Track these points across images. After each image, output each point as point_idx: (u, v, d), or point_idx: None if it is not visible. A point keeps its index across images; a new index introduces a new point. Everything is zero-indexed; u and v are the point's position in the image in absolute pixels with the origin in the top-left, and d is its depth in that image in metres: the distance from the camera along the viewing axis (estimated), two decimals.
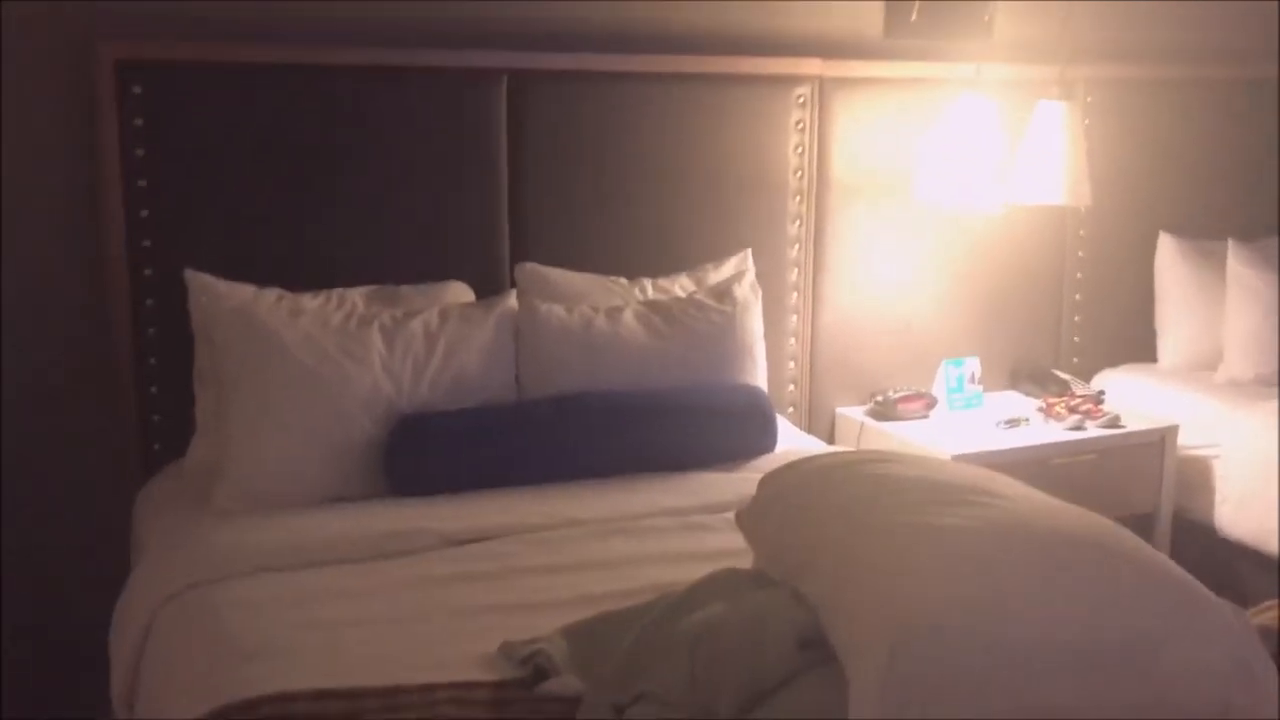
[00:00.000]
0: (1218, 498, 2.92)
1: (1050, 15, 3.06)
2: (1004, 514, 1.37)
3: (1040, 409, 2.98)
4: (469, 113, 2.62)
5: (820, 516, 1.44)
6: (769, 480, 1.62)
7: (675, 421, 2.32)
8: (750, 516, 1.60)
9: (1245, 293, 3.15)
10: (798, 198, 2.98)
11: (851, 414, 3.06)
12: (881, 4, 3.06)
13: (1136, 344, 3.37)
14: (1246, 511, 2.84)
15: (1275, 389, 3.04)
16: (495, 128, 2.64)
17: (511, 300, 2.48)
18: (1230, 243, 3.21)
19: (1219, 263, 3.23)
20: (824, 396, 3.11)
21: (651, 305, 2.55)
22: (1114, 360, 3.37)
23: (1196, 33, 3.40)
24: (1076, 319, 3.34)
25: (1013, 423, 2.91)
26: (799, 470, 1.59)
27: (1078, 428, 2.90)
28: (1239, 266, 3.17)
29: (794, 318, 3.02)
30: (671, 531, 1.96)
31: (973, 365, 3.08)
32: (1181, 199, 3.37)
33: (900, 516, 1.35)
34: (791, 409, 3.05)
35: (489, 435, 2.24)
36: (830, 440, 3.08)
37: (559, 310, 2.46)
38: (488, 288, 2.61)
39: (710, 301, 2.57)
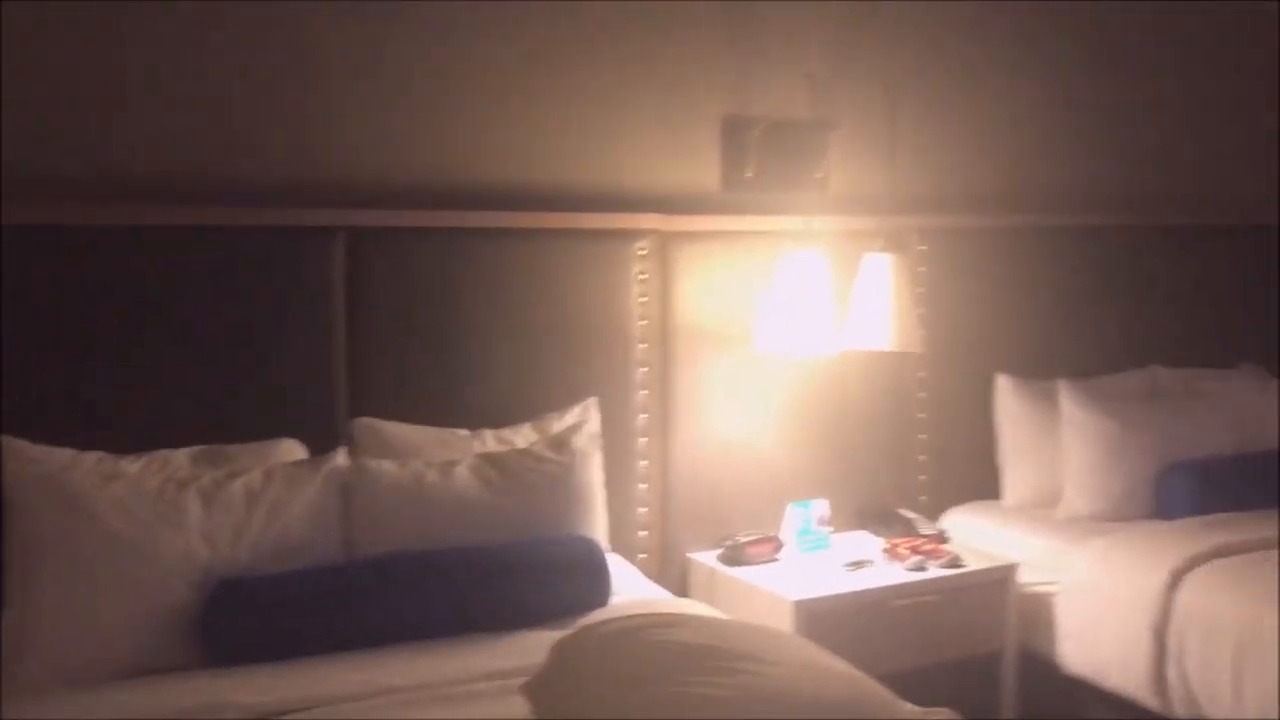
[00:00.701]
0: (1060, 633, 2.97)
1: (880, 170, 3.21)
2: (766, 683, 1.38)
3: (884, 550, 3.03)
4: (303, 269, 2.64)
5: (601, 688, 1.43)
6: (559, 648, 1.61)
7: (503, 578, 2.30)
8: (537, 687, 1.58)
9: (1079, 431, 3.26)
10: (644, 345, 3.03)
11: (704, 559, 3.06)
12: (719, 161, 3.18)
13: (981, 482, 3.46)
14: (1086, 646, 2.89)
15: (1112, 524, 3.13)
16: (331, 283, 2.66)
17: (341, 458, 2.46)
18: (1062, 383, 3.34)
19: (1055, 402, 3.36)
20: (677, 542, 3.12)
21: (487, 458, 2.55)
22: (960, 498, 3.44)
23: (1020, 184, 3.60)
24: (922, 458, 3.42)
25: (856, 565, 2.94)
26: (588, 637, 1.59)
27: (919, 568, 2.94)
28: (1071, 406, 3.29)
29: (644, 463, 3.04)
30: (488, 697, 1.92)
31: (820, 507, 3.12)
32: (1016, 341, 3.51)
33: (670, 688, 1.35)
34: (643, 556, 3.04)
35: (310, 599, 2.19)
36: (683, 587, 3.08)
37: (390, 466, 2.44)
38: (323, 444, 2.58)
39: (547, 453, 2.58)
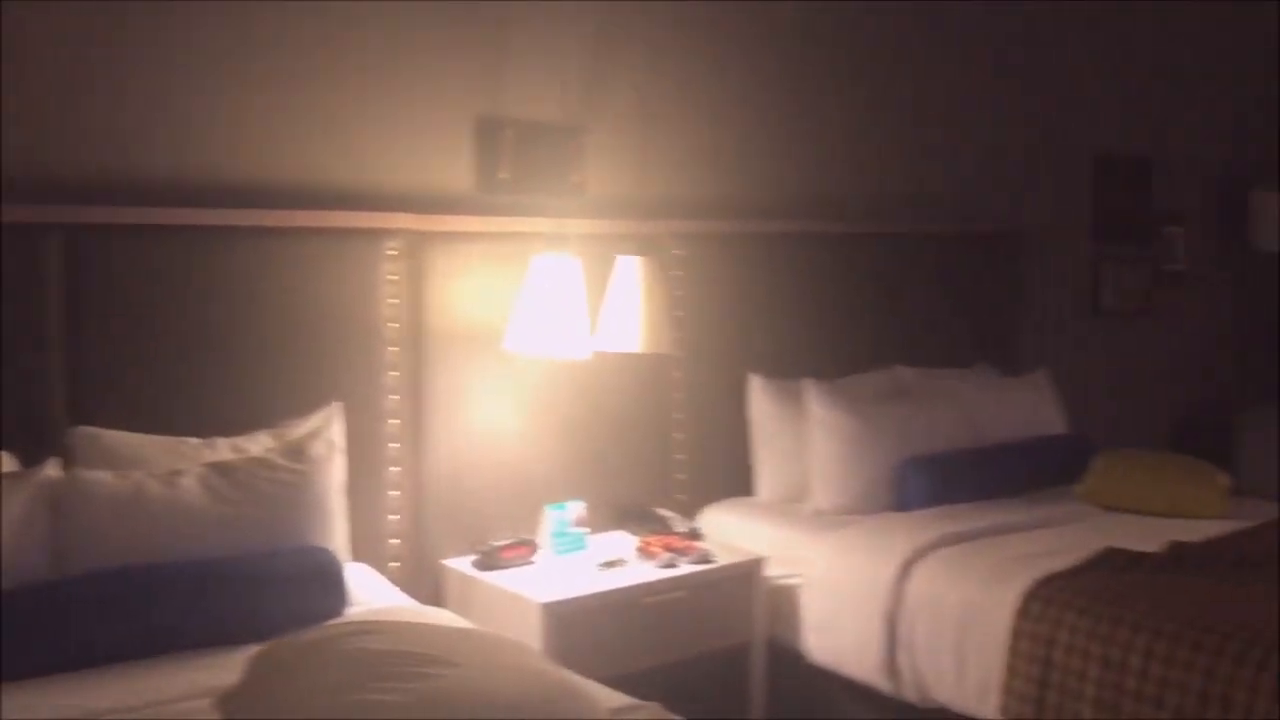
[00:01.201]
0: (804, 624, 3.07)
1: (636, 175, 3.26)
2: (447, 685, 1.37)
3: (637, 548, 3.06)
4: (12, 271, 2.46)
5: (288, 698, 1.38)
6: (254, 660, 1.55)
7: (227, 591, 2.20)
8: (229, 699, 1.52)
9: (824, 429, 3.39)
10: (395, 348, 2.97)
11: (458, 565, 3.02)
12: (473, 161, 3.16)
13: (737, 479, 3.55)
14: (827, 636, 3.01)
15: (853, 518, 3.27)
16: (44, 284, 2.49)
17: (53, 469, 2.31)
18: (808, 382, 3.46)
19: (803, 401, 3.48)
20: (431, 549, 3.07)
21: (216, 467, 2.44)
22: (717, 495, 3.52)
23: (771, 190, 3.71)
24: (679, 457, 3.49)
25: (609, 565, 2.97)
26: (282, 648, 1.54)
27: (671, 565, 2.99)
28: (817, 405, 3.42)
29: (395, 469, 2.98)
30: (196, 715, 1.83)
31: (577, 508, 3.13)
32: (769, 342, 3.62)
33: (353, 695, 1.32)
34: (395, 564, 2.98)
35: (12, 620, 2.04)
36: (437, 595, 3.03)
37: (106, 477, 2.31)
38: (37, 456, 2.41)
39: (282, 460, 2.49)
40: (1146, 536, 3.02)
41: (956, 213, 4.19)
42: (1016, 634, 2.56)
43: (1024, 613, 2.57)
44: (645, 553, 3.03)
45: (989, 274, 4.21)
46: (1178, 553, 2.80)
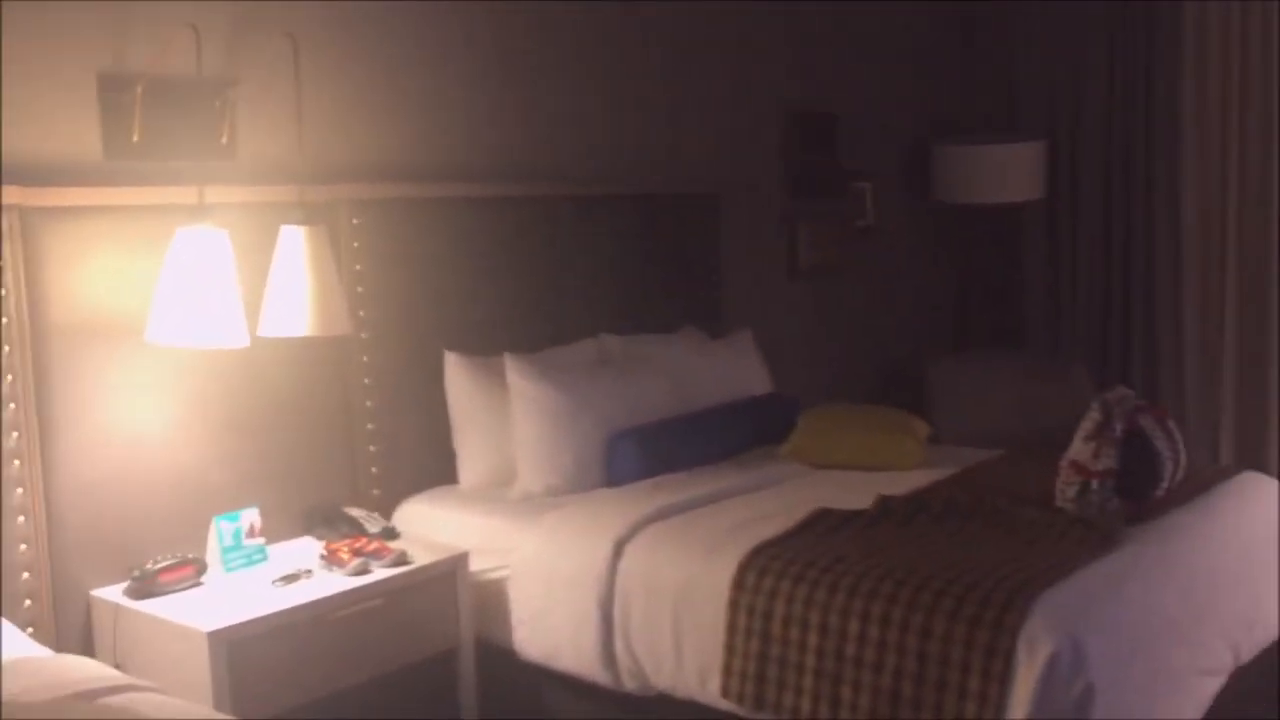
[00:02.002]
0: (514, 620, 2.84)
1: (296, 135, 2.88)
2: None
3: (322, 556, 2.73)
4: None
5: None
6: None
7: None
8: None
9: (527, 406, 3.16)
10: (6, 349, 2.49)
11: (109, 595, 2.59)
12: (98, 123, 2.69)
13: (440, 467, 3.26)
14: (539, 630, 2.79)
15: (563, 498, 3.06)
16: None
17: None
18: (507, 357, 3.22)
19: (503, 377, 3.23)
20: (74, 579, 2.62)
21: None
22: (418, 487, 3.23)
23: (459, 152, 3.43)
24: (373, 449, 3.16)
25: (289, 579, 2.62)
26: None
27: (362, 571, 2.67)
28: (518, 380, 3.18)
29: (19, 491, 2.51)
30: None
31: (251, 517, 2.76)
32: (465, 316, 3.34)
33: None
34: (29, 603, 2.51)
35: None
36: (85, 633, 2.59)
37: None
38: None
39: None
40: (855, 492, 2.97)
41: (655, 174, 4.05)
42: (733, 607, 2.43)
43: (739, 584, 2.43)
44: (332, 560, 2.70)
45: (690, 235, 4.10)
46: (886, 506, 2.76)
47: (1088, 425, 2.63)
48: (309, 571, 2.67)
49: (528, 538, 2.86)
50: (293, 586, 2.59)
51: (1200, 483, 2.86)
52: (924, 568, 2.31)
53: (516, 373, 3.18)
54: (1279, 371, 4.78)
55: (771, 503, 2.90)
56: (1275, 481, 2.98)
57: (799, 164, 4.65)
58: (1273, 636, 2.71)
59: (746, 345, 3.94)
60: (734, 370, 3.77)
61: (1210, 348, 4.96)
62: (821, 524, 2.64)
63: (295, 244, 2.69)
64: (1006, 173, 4.97)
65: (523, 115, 3.61)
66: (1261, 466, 4.74)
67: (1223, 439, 4.93)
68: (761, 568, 2.44)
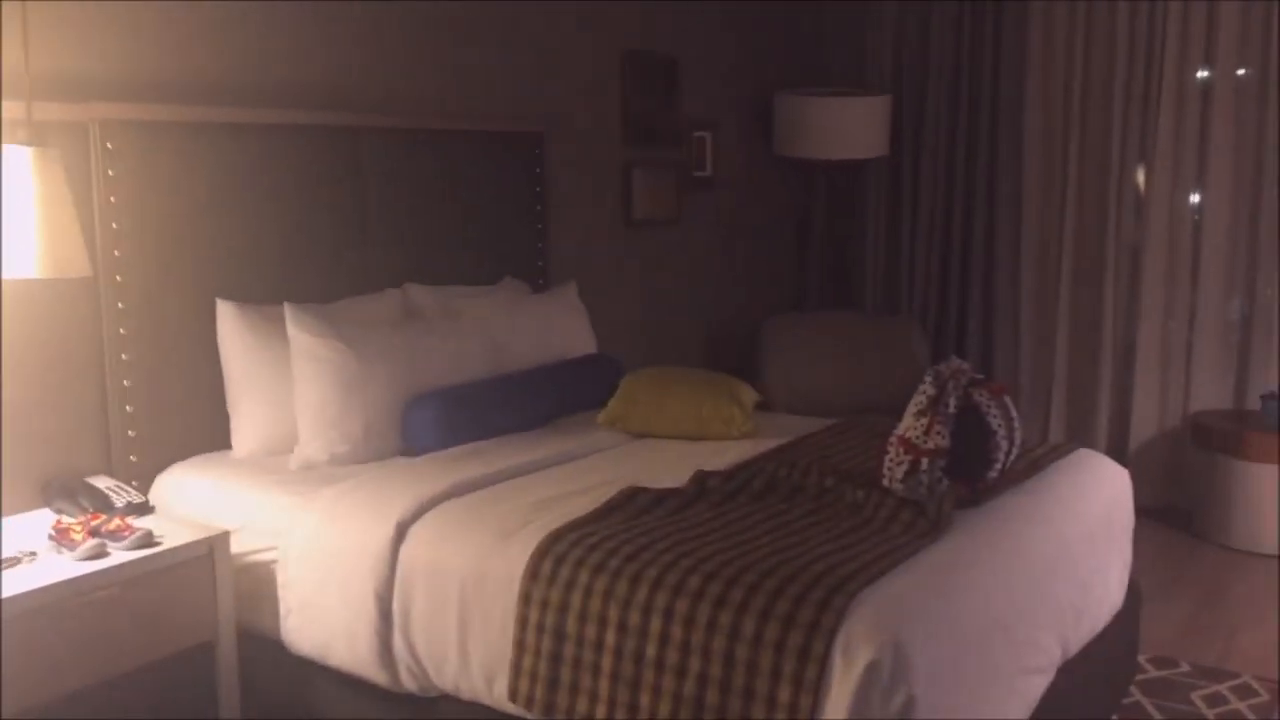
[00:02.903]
0: (282, 609, 2.50)
1: (22, 39, 2.43)
2: None
3: (50, 536, 2.33)
4: None
5: None
6: None
7: None
8: None
9: (312, 363, 2.80)
10: None
11: None
12: None
13: (209, 432, 2.88)
14: (311, 621, 2.45)
15: (350, 470, 2.72)
16: None
17: None
18: (287, 307, 2.85)
19: (284, 329, 2.86)
20: None
21: None
22: (185, 453, 2.84)
23: (240, 70, 3.00)
24: (129, 409, 2.75)
25: (11, 563, 2.22)
26: None
27: (98, 554, 2.29)
28: (300, 333, 2.81)
29: None
30: None
31: None
32: (244, 259, 2.95)
33: None
34: None
35: None
36: None
37: None
38: None
39: None
40: (673, 466, 2.73)
41: (477, 109, 3.69)
42: (524, 600, 2.14)
43: (533, 574, 2.15)
44: (61, 541, 2.31)
45: (515, 178, 3.77)
46: (702, 483, 2.51)
47: (919, 400, 2.43)
48: (32, 554, 2.27)
49: (304, 516, 2.51)
50: (9, 572, 2.20)
51: (1033, 461, 2.70)
52: (737, 559, 2.06)
53: (298, 325, 2.81)
54: (1111, 344, 4.76)
55: (581, 478, 2.63)
56: (1108, 460, 2.85)
57: (636, 108, 4.35)
58: (1098, 627, 2.58)
59: (571, 300, 3.65)
60: (556, 328, 3.48)
61: (1047, 315, 4.91)
62: (631, 505, 2.37)
63: (21, 168, 2.26)
64: (850, 127, 4.78)
65: (324, 31, 3.20)
66: (1090, 442, 4.73)
67: (1054, 411, 4.89)
68: (559, 555, 2.16)
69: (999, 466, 2.45)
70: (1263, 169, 4.43)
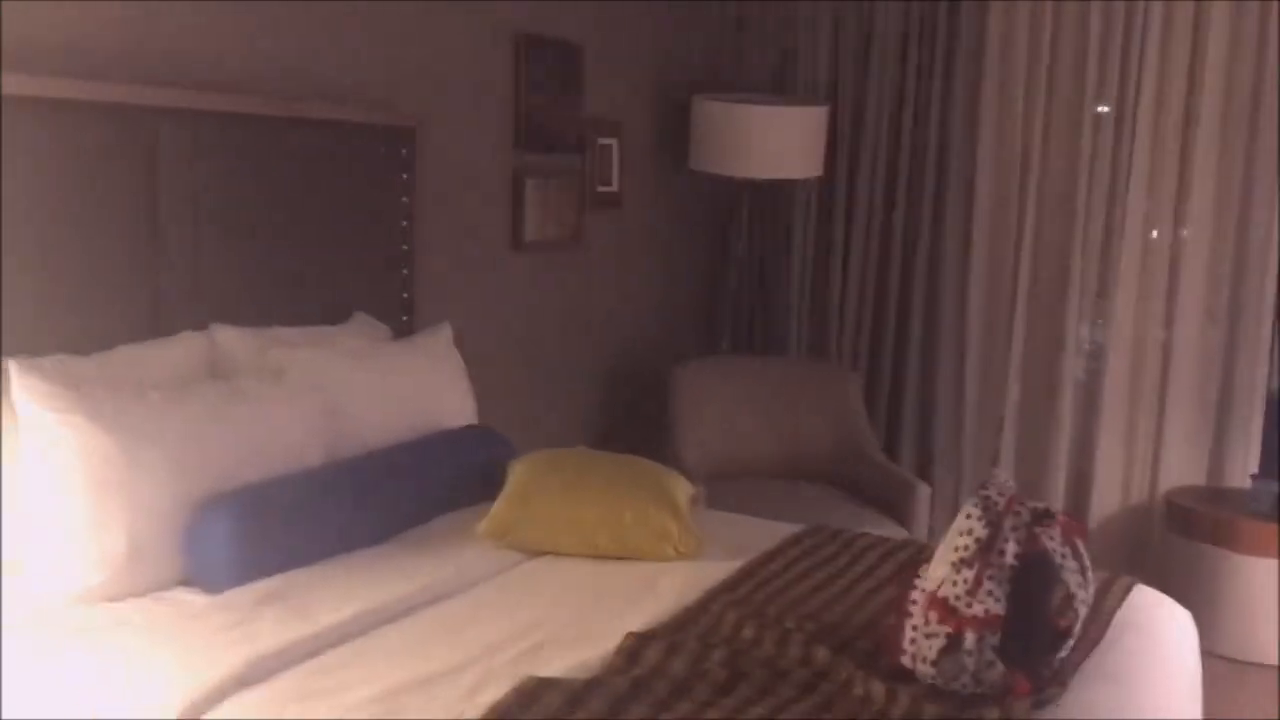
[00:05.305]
0: None
1: None
2: None
3: None
4: None
5: None
6: None
7: None
8: None
9: (44, 445, 1.87)
10: None
11: None
12: None
13: None
14: None
15: (109, 608, 1.81)
16: None
17: None
18: (10, 363, 1.91)
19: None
20: None
21: None
22: None
23: None
24: None
25: None
26: None
27: None
28: (29, 401, 1.88)
29: None
30: None
31: None
32: None
33: None
34: None
35: None
36: None
37: None
38: None
39: None
40: (587, 613, 1.89)
41: (325, 93, 2.79)
42: None
43: None
44: None
45: (376, 185, 2.88)
46: (635, 656, 1.68)
47: (962, 542, 1.65)
48: None
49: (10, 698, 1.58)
50: None
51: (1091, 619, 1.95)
52: None
53: (28, 390, 1.88)
54: (1071, 396, 4.10)
55: (453, 640, 1.76)
56: (1169, 600, 2.12)
57: (531, 104, 3.51)
58: None
59: (443, 348, 2.79)
60: (421, 387, 2.60)
61: (996, 361, 4.23)
62: (532, 711, 1.52)
63: None
64: (780, 141, 4.02)
65: None
66: (1045, 490, 4.07)
67: (1002, 468, 4.21)
68: None
69: (1071, 643, 1.68)
70: (1252, 199, 3.83)
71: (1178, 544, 3.76)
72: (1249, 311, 3.86)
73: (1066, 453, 4.11)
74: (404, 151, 2.96)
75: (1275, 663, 3.54)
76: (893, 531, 3.36)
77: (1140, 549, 4.04)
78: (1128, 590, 2.07)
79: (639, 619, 1.85)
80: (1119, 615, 1.95)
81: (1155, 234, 3.99)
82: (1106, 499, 4.08)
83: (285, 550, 2.00)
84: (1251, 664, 3.55)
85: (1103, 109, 3.98)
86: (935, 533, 4.38)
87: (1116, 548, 4.02)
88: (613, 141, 3.93)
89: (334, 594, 1.89)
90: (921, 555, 2.33)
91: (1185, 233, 3.93)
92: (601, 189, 3.90)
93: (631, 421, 4.08)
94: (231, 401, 2.13)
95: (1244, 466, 3.90)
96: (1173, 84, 3.89)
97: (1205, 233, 3.93)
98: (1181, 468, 4.01)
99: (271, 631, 1.72)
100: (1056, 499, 4.10)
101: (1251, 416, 3.90)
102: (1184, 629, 2.04)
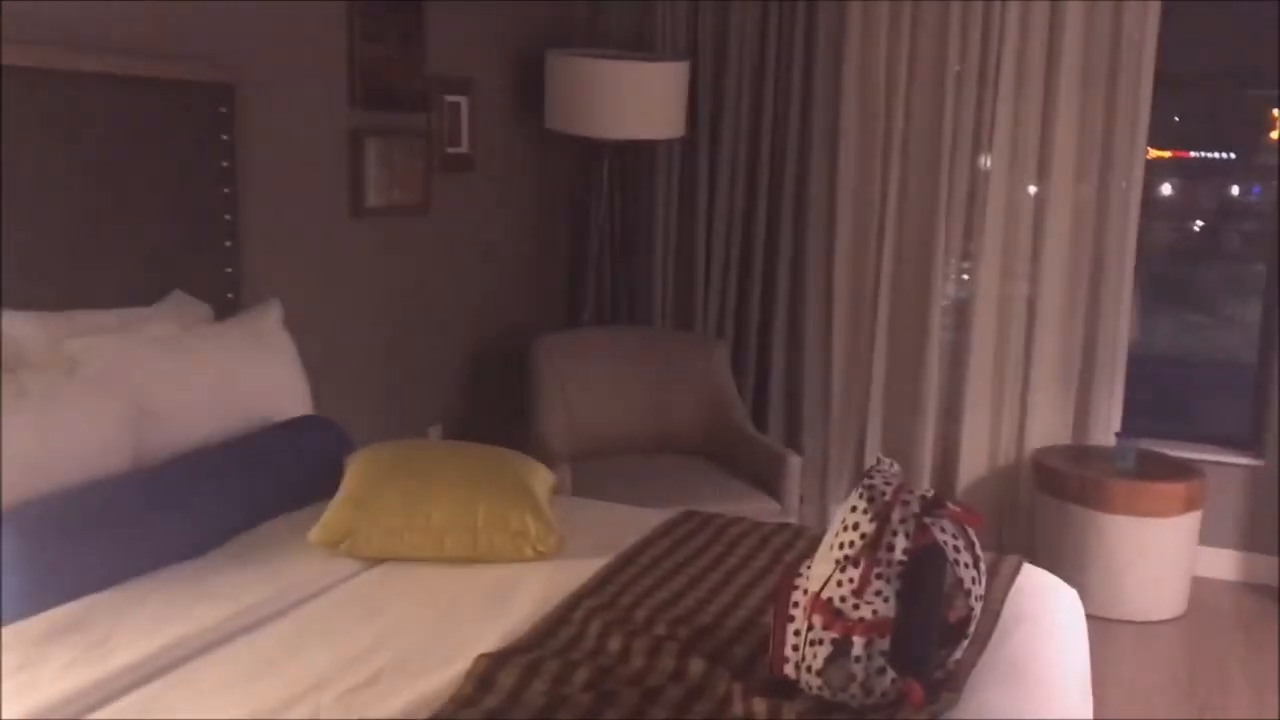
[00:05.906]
0: None
1: None
2: None
3: None
4: None
5: None
6: None
7: None
8: None
9: None
10: None
11: None
12: None
13: None
14: None
15: None
16: None
17: None
18: None
19: None
20: None
21: None
22: None
23: None
24: None
25: None
26: None
27: None
28: None
29: None
30: None
31: None
32: None
33: None
34: None
35: None
36: None
37: None
38: None
39: None
40: (431, 632, 1.68)
41: (135, 42, 2.47)
42: None
43: None
44: None
45: (193, 147, 2.58)
46: (487, 683, 1.48)
47: (846, 538, 1.50)
48: None
49: None
50: None
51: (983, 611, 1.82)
52: None
53: None
54: (938, 359, 4.04)
55: (281, 675, 1.53)
56: (1059, 582, 2.02)
57: (368, 57, 3.22)
58: None
59: (272, 327, 2.52)
60: (245, 377, 2.33)
61: (864, 325, 4.14)
62: None
63: None
64: (639, 99, 3.82)
65: None
66: (914, 455, 4.00)
67: (870, 435, 4.14)
68: None
69: (965, 643, 1.54)
70: (1112, 164, 3.80)
71: (1046, 504, 3.74)
72: (1111, 268, 3.85)
73: (934, 414, 4.05)
74: (223, 110, 2.66)
75: (1141, 620, 3.56)
76: (765, 504, 3.23)
77: (1010, 509, 4.02)
78: (1017, 570, 1.96)
79: (493, 635, 1.64)
80: (1009, 604, 1.83)
81: (1019, 191, 3.95)
82: (975, 460, 4.05)
83: (83, 572, 1.73)
84: (1119, 621, 3.55)
85: (964, 64, 3.90)
86: (806, 501, 4.31)
87: (986, 510, 3.97)
88: (462, 99, 3.67)
89: (141, 622, 1.64)
90: (798, 539, 2.20)
91: (1048, 188, 3.88)
92: (450, 150, 3.63)
93: (494, 403, 3.86)
94: (13, 401, 1.84)
95: (1108, 424, 3.90)
96: (1034, 38, 3.83)
97: (1067, 189, 3.90)
98: (1047, 427, 3.99)
99: (58, 676, 1.46)
100: (925, 461, 4.05)
101: (1114, 374, 3.89)
102: (1073, 613, 1.94)
